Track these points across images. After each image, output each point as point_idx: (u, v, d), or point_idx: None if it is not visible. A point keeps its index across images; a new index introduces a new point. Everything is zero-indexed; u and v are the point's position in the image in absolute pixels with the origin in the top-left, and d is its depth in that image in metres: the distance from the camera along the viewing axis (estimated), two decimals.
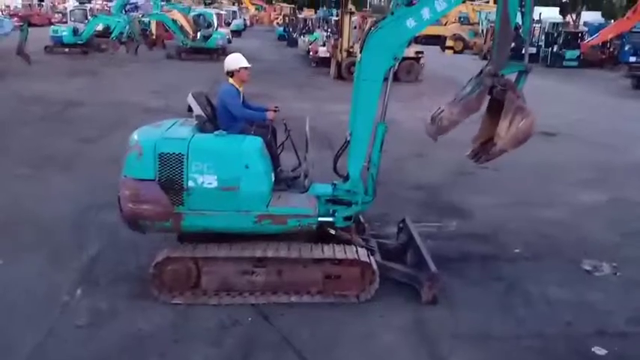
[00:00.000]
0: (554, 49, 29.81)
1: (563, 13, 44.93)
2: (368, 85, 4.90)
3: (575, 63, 29.32)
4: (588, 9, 55.12)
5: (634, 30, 28.27)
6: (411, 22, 4.84)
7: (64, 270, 5.37)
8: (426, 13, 4.86)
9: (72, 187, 7.68)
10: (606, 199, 8.18)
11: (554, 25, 31.39)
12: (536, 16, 34.28)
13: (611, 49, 30.41)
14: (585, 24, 38.18)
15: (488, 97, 5.12)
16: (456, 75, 22.99)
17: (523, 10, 5.03)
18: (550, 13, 39.98)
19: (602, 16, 49.18)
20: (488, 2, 46.63)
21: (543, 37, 30.72)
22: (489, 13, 37.74)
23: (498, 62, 5.01)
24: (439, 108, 5.21)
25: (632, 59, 28.00)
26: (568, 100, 18.20)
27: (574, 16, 42.68)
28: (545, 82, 19.57)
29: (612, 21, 37.01)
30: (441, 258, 5.59)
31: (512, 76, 5.15)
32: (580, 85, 23.05)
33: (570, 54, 29.50)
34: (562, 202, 7.93)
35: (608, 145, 11.66)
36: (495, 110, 5.06)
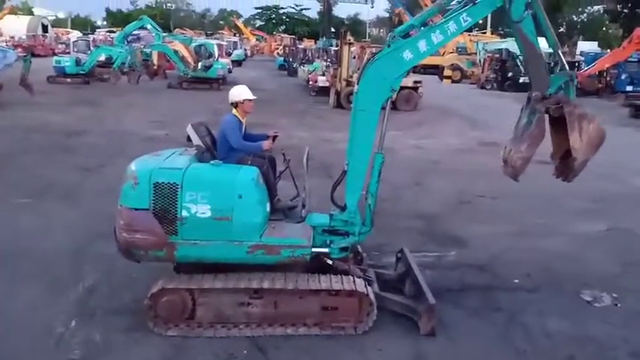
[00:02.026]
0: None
1: (559, 42, 45.57)
2: (365, 116, 4.94)
3: None
4: (585, 39, 55.95)
5: (630, 59, 28.64)
6: (407, 55, 4.91)
7: (59, 301, 5.31)
8: (422, 45, 4.92)
9: (70, 217, 7.66)
10: (605, 228, 8.15)
11: (551, 55, 31.68)
12: None
13: (608, 79, 30.73)
14: (582, 54, 38.66)
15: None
16: (453, 104, 23.23)
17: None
18: (547, 44, 40.48)
19: (599, 45, 49.87)
20: (485, 33, 47.44)
21: None
22: (486, 43, 38.38)
23: (540, 85, 5.06)
24: (505, 147, 5.23)
25: (629, 88, 28.30)
26: None
27: (570, 46, 43.31)
28: None
29: (608, 50, 37.50)
30: (440, 288, 5.55)
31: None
32: None
33: None
34: (561, 232, 7.90)
35: (607, 174, 11.65)
36: (558, 125, 5.10)
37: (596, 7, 64.57)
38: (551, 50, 5.37)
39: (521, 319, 5.35)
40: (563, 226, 8.15)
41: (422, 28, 5.06)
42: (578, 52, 41.34)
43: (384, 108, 4.99)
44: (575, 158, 4.98)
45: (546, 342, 4.98)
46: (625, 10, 45.71)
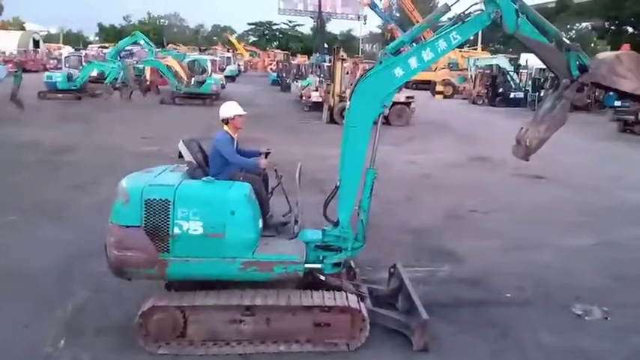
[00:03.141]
0: (542, 94, 30.39)
1: None
2: (356, 132, 4.96)
3: None
4: None
5: None
6: (398, 71, 4.94)
7: (47, 320, 5.23)
8: (413, 62, 4.96)
9: (59, 234, 7.57)
10: (594, 242, 8.18)
11: (541, 70, 32.11)
12: (522, 62, 35.23)
13: (597, 94, 31.01)
14: None
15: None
16: (445, 119, 23.37)
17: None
18: (537, 60, 40.94)
19: None
20: (476, 49, 47.99)
21: (530, 83, 31.35)
22: (477, 59, 38.81)
23: (564, 72, 5.09)
24: (522, 128, 5.26)
25: (617, 103, 28.54)
26: (555, 143, 18.31)
27: None
28: None
29: None
30: (433, 304, 5.53)
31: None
32: (567, 128, 22.96)
33: None
34: (551, 246, 7.92)
35: (596, 187, 11.76)
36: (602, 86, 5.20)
37: (584, 24, 65.52)
38: (542, 66, 5.44)
39: (514, 334, 5.35)
40: (554, 240, 8.17)
41: (412, 44, 5.11)
42: None
43: (375, 123, 5.02)
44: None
45: (538, 356, 4.97)
46: (612, 27, 46.38)
